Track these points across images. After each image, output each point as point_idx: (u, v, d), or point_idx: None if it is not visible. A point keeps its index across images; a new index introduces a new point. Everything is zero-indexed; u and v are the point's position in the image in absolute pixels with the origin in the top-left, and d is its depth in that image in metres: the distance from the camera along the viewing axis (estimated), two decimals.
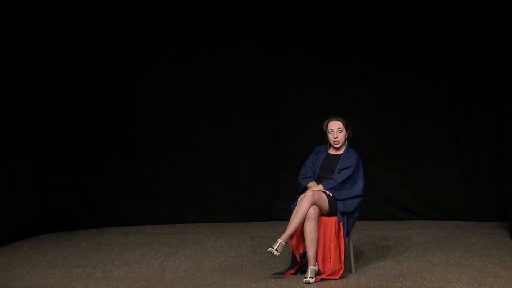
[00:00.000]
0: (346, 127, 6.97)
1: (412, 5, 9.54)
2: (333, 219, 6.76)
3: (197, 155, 9.78)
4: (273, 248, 6.59)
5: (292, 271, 6.80)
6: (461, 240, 8.29)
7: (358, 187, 6.86)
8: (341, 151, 6.99)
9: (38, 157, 9.08)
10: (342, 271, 6.67)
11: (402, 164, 9.73)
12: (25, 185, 8.89)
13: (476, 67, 9.53)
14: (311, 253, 6.60)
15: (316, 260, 6.64)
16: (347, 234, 6.81)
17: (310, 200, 6.65)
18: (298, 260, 6.73)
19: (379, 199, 9.71)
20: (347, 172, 6.86)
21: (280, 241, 6.61)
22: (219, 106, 9.79)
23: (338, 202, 6.76)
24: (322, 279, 6.59)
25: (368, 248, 7.91)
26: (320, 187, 6.82)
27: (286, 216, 7.05)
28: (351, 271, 6.85)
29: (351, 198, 6.81)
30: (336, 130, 6.94)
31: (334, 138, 6.94)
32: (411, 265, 7.11)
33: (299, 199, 6.76)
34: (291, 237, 6.64)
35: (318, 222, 6.70)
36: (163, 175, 9.77)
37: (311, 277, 6.54)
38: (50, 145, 9.21)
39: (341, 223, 6.74)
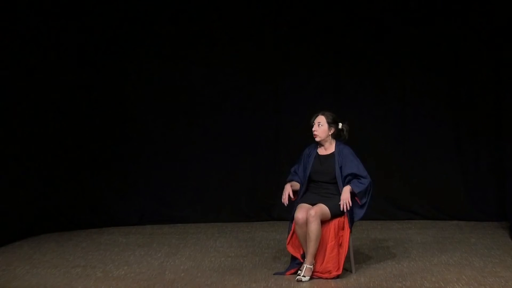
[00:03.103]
0: (329, 123, 6.88)
1: (412, 6, 9.54)
2: (333, 219, 6.74)
3: (197, 155, 9.77)
4: (300, 275, 6.56)
5: (292, 271, 6.80)
6: (461, 240, 8.30)
7: (366, 180, 6.80)
8: (332, 150, 6.93)
9: (38, 157, 9.07)
10: (339, 272, 6.64)
11: (402, 164, 9.73)
12: (25, 185, 8.88)
13: (476, 67, 9.53)
14: (312, 249, 6.57)
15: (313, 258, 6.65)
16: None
17: (318, 220, 6.61)
18: (302, 260, 6.72)
19: (379, 199, 9.70)
20: (364, 181, 6.79)
21: (306, 265, 6.60)
22: (219, 106, 9.79)
23: (355, 211, 6.74)
24: (317, 277, 6.60)
25: (368, 248, 7.91)
26: (348, 188, 6.73)
27: (286, 216, 7.06)
28: (351, 271, 6.85)
29: (367, 198, 6.79)
30: (316, 123, 6.89)
31: (313, 131, 6.89)
32: (411, 265, 7.11)
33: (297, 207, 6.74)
34: (314, 256, 6.62)
35: None
36: (163, 175, 9.76)
37: (304, 276, 6.55)
38: (50, 145, 9.21)
39: (346, 227, 6.72)
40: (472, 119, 9.60)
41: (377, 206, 9.66)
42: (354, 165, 6.80)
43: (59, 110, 9.31)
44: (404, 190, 9.72)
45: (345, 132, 6.97)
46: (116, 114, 9.67)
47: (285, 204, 6.83)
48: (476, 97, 9.57)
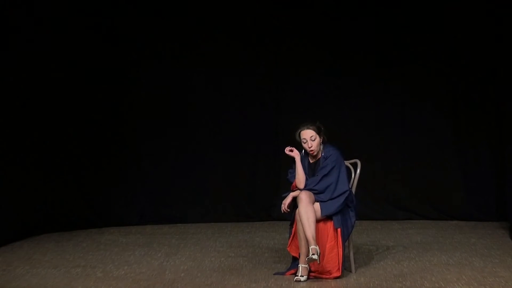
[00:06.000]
0: (319, 133, 6.82)
1: (412, 6, 9.55)
2: (331, 220, 6.73)
3: (197, 155, 9.78)
4: (298, 275, 6.56)
5: (293, 272, 6.78)
6: (461, 240, 8.30)
7: (341, 185, 6.73)
8: (319, 155, 6.87)
9: (38, 157, 9.08)
10: (339, 273, 6.62)
11: (402, 164, 9.73)
12: (25, 185, 8.89)
13: (476, 67, 9.54)
14: (309, 233, 6.51)
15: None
16: (345, 240, 6.75)
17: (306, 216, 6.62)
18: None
19: (379, 199, 9.72)
20: (328, 181, 6.73)
21: (301, 265, 6.59)
22: (219, 106, 9.79)
23: (320, 204, 6.70)
24: (316, 277, 6.60)
25: (368, 248, 7.91)
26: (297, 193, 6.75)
27: (286, 216, 7.05)
28: (351, 271, 6.85)
29: (336, 197, 6.71)
30: (309, 139, 6.81)
31: (309, 148, 6.82)
32: (411, 265, 7.11)
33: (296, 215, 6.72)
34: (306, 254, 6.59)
35: (316, 224, 6.66)
36: (163, 175, 9.77)
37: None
38: (50, 145, 9.22)
39: (338, 229, 6.70)
40: (472, 119, 9.60)
41: (377, 206, 9.68)
42: (321, 173, 6.75)
43: (58, 110, 9.31)
44: (404, 190, 9.72)
45: (325, 139, 6.89)
46: (116, 114, 9.68)
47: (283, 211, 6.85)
48: (476, 97, 9.58)
